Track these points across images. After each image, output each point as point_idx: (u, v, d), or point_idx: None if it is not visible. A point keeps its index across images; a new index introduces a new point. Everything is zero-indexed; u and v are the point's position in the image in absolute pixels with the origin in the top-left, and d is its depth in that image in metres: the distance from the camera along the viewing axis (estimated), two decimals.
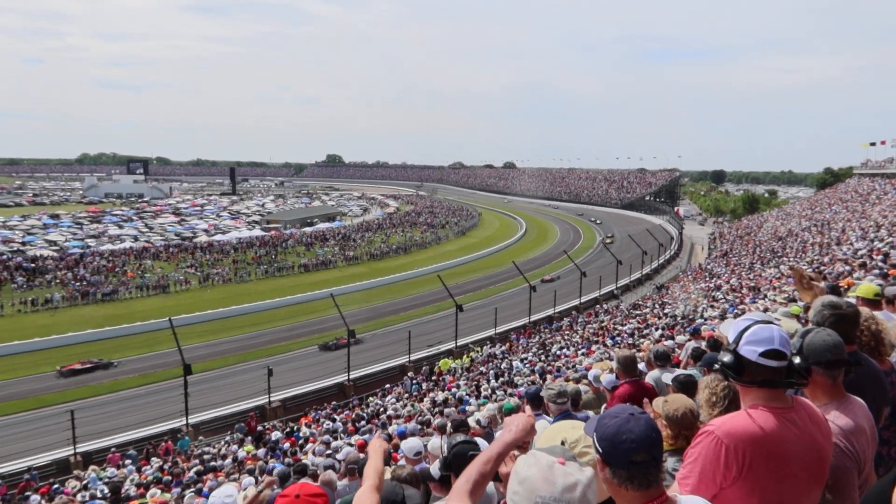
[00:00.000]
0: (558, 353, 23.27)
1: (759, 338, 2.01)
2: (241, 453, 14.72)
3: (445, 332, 34.80)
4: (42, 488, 16.19)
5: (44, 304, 41.93)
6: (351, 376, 28.06)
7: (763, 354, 1.98)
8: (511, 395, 14.23)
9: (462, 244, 76.87)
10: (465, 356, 29.52)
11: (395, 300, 46.30)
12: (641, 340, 17.64)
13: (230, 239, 67.77)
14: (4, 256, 53.86)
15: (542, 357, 23.52)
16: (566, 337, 28.69)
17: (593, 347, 21.07)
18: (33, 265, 49.29)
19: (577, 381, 11.18)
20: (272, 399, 25.12)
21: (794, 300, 12.49)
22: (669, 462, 2.81)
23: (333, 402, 24.23)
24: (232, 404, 25.42)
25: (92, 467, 18.11)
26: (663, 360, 6.38)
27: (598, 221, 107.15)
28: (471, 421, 7.94)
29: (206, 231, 79.52)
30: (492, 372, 21.95)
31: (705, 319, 16.88)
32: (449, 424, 6.48)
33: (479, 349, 30.89)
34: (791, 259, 29.89)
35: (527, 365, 21.82)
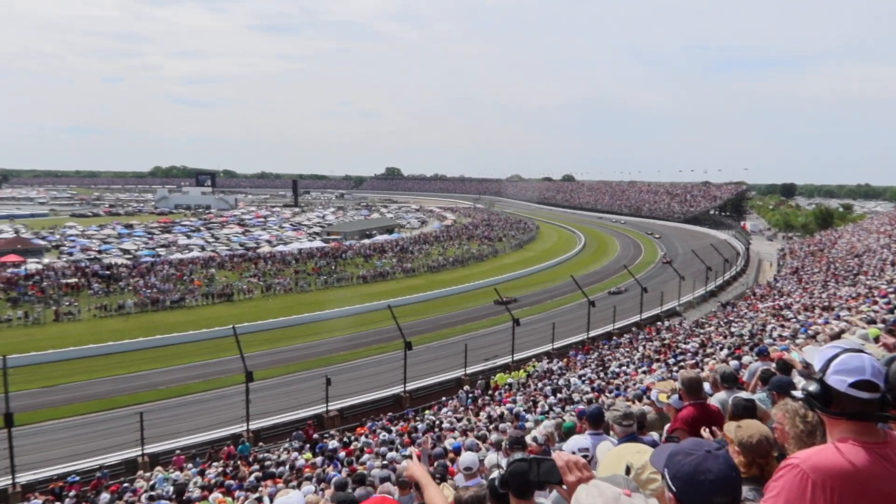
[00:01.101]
0: (617, 370, 22.71)
1: (849, 367, 1.88)
2: (300, 461, 14.96)
3: (502, 346, 34.56)
4: (112, 486, 16.89)
5: (117, 309, 44.03)
6: (407, 388, 28.19)
7: (853, 385, 1.85)
8: (569, 412, 13.96)
9: (519, 257, 76.42)
10: (521, 371, 29.21)
11: (452, 312, 46.33)
12: (706, 360, 17.01)
13: (292, 250, 69.53)
14: (83, 264, 56.95)
15: (601, 374, 23.01)
16: (626, 354, 28.00)
17: (654, 366, 20.47)
18: (108, 272, 51.86)
19: (638, 399, 10.88)
20: (330, 408, 25.46)
21: (872, 321, 11.80)
22: (742, 491, 2.67)
23: (389, 414, 24.39)
24: (291, 412, 25.90)
25: (157, 468, 18.81)
26: (730, 381, 6.12)
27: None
28: (527, 438, 7.82)
29: (268, 242, 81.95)
30: (549, 388, 21.61)
31: (774, 340, 16.14)
32: (505, 441, 6.39)
33: (535, 364, 30.52)
34: (868, 277, 28.29)
35: (585, 382, 21.38)
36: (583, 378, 22.47)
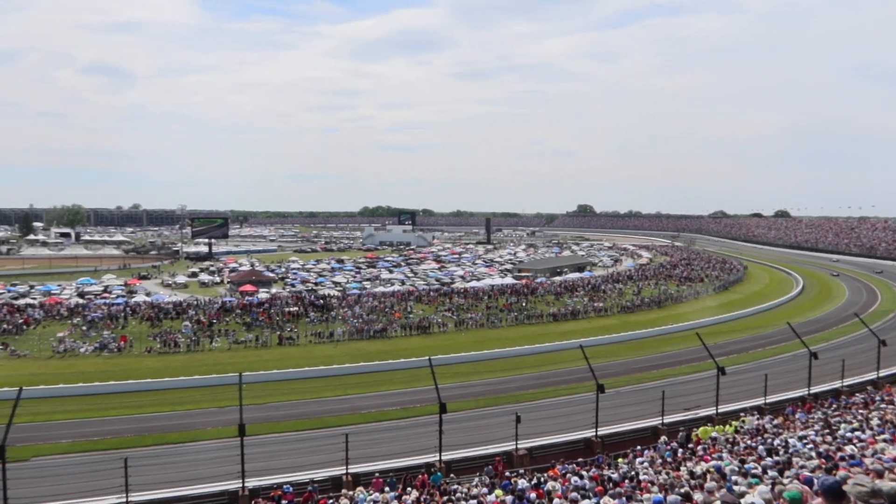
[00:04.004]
0: (849, 435, 19.63)
1: None
2: (490, 497, 14.98)
3: (704, 395, 31.81)
4: (321, 500, 18.31)
5: (328, 336, 48.44)
6: (599, 432, 27.06)
7: None
8: (789, 478, 12.32)
9: (724, 300, 70.47)
10: (728, 425, 26.56)
11: (647, 356, 43.94)
12: None
13: (484, 285, 71.35)
14: (302, 294, 63.80)
15: (828, 438, 20.06)
16: (860, 416, 24.16)
17: None
18: (322, 303, 57.43)
19: (878, 474, 9.27)
20: (519, 446, 25.29)
21: None
22: None
23: (580, 458, 23.54)
24: (480, 446, 26.16)
25: (359, 488, 20.00)
26: None
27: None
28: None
29: (462, 277, 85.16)
30: (762, 447, 19.33)
31: None
32: None
33: (745, 419, 27.56)
34: None
35: (807, 445, 18.78)
36: (804, 440, 19.77)
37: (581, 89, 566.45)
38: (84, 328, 47.82)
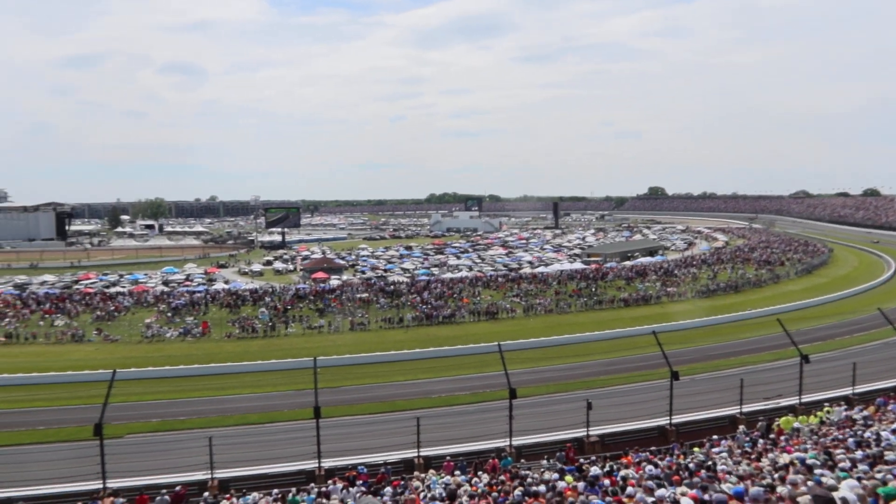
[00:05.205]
0: None
1: None
2: (561, 483, 14.89)
3: (786, 384, 30.39)
4: (394, 482, 18.71)
5: (398, 322, 49.22)
6: (673, 421, 26.39)
7: None
8: (883, 472, 11.64)
9: (807, 284, 67.05)
10: (812, 416, 25.32)
11: (724, 343, 42.34)
12: None
13: (552, 271, 70.65)
14: (372, 281, 65.04)
15: None
16: None
17: None
18: (392, 289, 58.35)
19: None
20: (590, 433, 25.00)
21: None
22: None
23: (653, 447, 23.02)
24: (550, 432, 25.99)
25: (431, 471, 20.32)
26: None
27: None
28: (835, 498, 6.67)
29: (530, 263, 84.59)
30: (850, 440, 18.32)
31: None
32: (807, 499, 5.53)
33: (830, 409, 26.18)
34: None
35: None
36: None
37: (649, 68, 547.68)
38: (169, 314, 50.52)
